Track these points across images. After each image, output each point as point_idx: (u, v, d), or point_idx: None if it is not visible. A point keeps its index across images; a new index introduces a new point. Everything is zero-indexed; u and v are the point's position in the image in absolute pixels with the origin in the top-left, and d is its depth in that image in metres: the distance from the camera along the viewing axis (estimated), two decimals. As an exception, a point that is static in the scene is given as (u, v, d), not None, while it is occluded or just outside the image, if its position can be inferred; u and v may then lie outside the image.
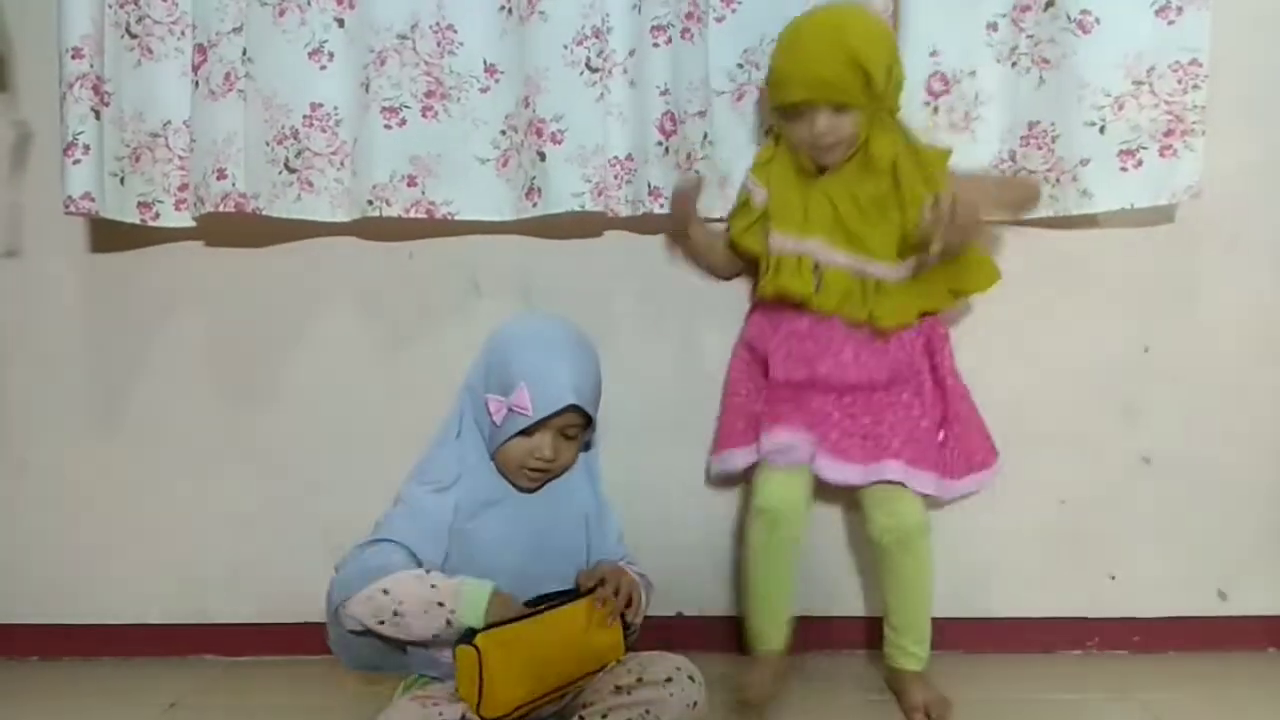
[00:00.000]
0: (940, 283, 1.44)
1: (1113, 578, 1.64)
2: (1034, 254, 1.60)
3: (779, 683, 1.43)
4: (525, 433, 1.28)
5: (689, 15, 1.51)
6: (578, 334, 1.35)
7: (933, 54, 1.50)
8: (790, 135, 1.43)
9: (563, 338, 1.32)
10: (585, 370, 1.31)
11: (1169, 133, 1.50)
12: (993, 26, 1.52)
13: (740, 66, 1.56)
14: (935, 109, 1.51)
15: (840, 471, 1.41)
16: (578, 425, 1.31)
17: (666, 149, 1.51)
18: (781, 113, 1.43)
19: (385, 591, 1.20)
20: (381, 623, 1.21)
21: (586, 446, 1.38)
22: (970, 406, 1.50)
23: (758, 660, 1.45)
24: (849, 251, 1.42)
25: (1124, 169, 1.52)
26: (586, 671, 1.25)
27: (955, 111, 1.51)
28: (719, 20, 1.55)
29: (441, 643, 1.23)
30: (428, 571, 1.23)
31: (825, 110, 1.37)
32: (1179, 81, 1.49)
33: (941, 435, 1.47)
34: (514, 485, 1.33)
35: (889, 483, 1.41)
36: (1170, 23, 1.49)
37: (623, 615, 1.28)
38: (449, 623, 1.19)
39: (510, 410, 1.27)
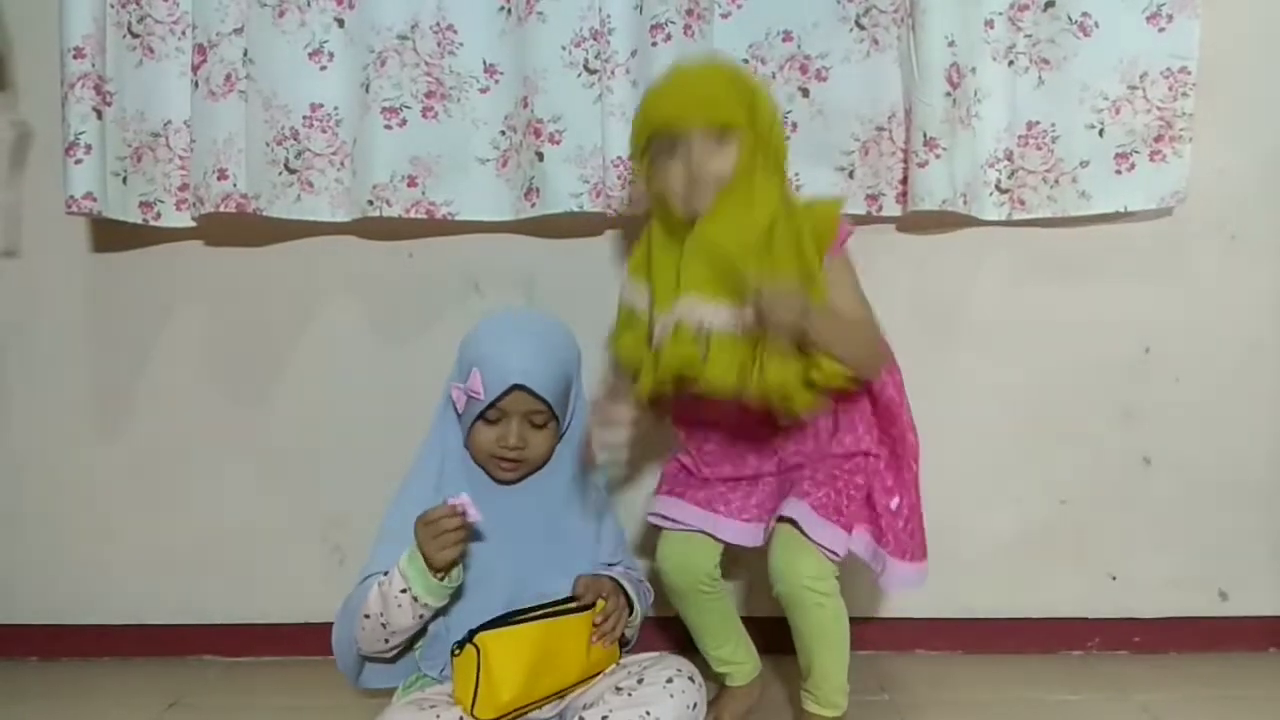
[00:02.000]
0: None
1: (1113, 578, 1.64)
2: (1034, 254, 1.60)
3: (751, 711, 1.42)
4: (490, 421, 1.28)
5: (690, 12, 1.51)
6: (547, 324, 1.34)
7: (950, 44, 1.49)
8: (661, 180, 1.24)
9: (525, 326, 1.32)
10: (542, 355, 1.29)
11: (1159, 138, 1.52)
12: (989, 24, 1.52)
13: (746, 62, 1.56)
14: (955, 100, 1.50)
15: (738, 534, 1.33)
16: (542, 413, 1.29)
17: (667, 147, 1.52)
18: (654, 160, 1.25)
19: (366, 616, 1.23)
20: (387, 640, 1.24)
21: (562, 436, 1.36)
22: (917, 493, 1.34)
23: (726, 692, 1.43)
24: (728, 301, 1.19)
25: (1118, 172, 1.54)
26: (580, 679, 1.26)
27: (960, 106, 1.51)
28: (724, 16, 1.55)
29: (438, 616, 1.26)
30: (385, 574, 1.24)
31: (702, 139, 1.20)
32: (1170, 88, 1.51)
33: (896, 501, 1.31)
34: (492, 478, 1.32)
35: (793, 526, 1.24)
36: (1161, 30, 1.51)
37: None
38: (415, 599, 1.20)
39: (468, 396, 1.27)
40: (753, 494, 1.36)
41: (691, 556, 1.35)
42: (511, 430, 1.28)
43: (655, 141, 1.24)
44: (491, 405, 1.27)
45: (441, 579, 1.20)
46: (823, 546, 1.23)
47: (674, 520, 1.36)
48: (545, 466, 1.35)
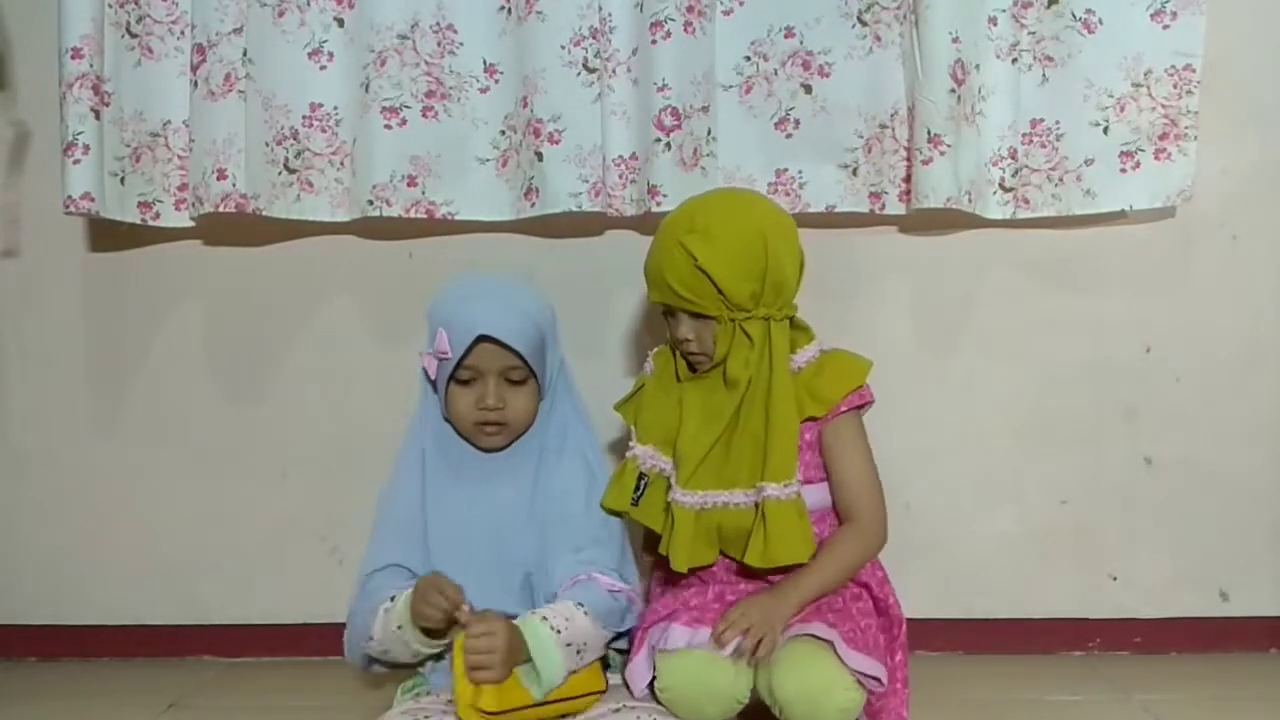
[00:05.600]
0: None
1: (1114, 578, 1.64)
2: (1034, 254, 1.60)
3: None
4: (465, 383, 1.25)
5: (691, 9, 1.50)
6: (512, 283, 1.33)
7: (954, 39, 1.48)
8: (668, 332, 1.30)
9: (487, 284, 1.30)
10: (508, 308, 1.25)
11: (1164, 136, 1.52)
12: (993, 21, 1.51)
13: (748, 59, 1.56)
14: (959, 97, 1.49)
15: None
16: (518, 368, 1.24)
17: (667, 145, 1.51)
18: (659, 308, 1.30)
19: (371, 638, 1.21)
20: (387, 663, 1.24)
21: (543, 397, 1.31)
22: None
23: None
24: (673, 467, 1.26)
25: (1124, 170, 1.53)
26: (571, 697, 1.17)
27: (965, 103, 1.50)
28: (726, 13, 1.55)
29: (431, 660, 1.23)
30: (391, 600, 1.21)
31: (686, 315, 1.23)
32: (1174, 86, 1.51)
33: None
34: (478, 448, 1.28)
35: (810, 637, 1.16)
36: (1165, 27, 1.50)
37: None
38: (408, 644, 1.18)
39: (438, 360, 1.25)
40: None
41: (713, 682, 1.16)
42: (488, 390, 1.23)
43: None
44: (461, 364, 1.23)
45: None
46: (861, 673, 1.14)
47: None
48: (528, 432, 1.30)
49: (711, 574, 1.28)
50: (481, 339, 1.22)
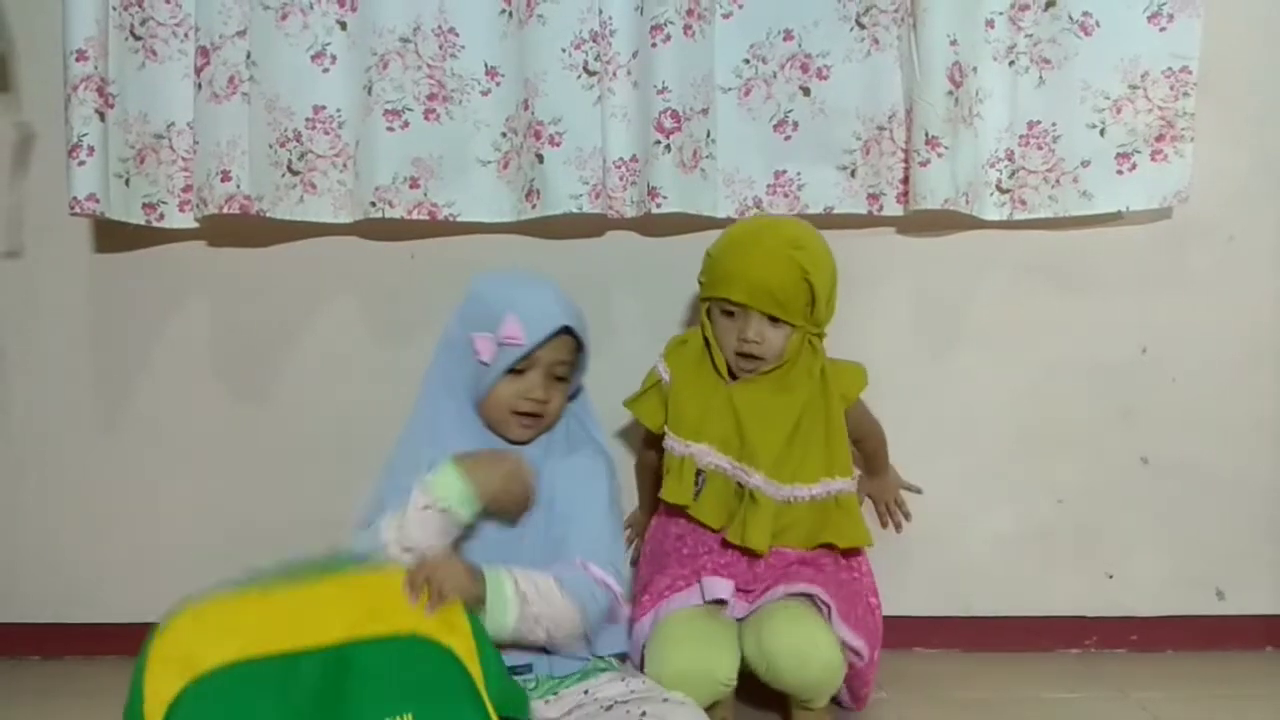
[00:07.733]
0: (817, 529, 1.37)
1: (1111, 577, 1.65)
2: (1034, 254, 1.61)
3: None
4: (515, 372, 1.25)
5: (690, 12, 1.52)
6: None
7: (952, 42, 1.49)
8: (716, 334, 1.38)
9: (538, 276, 1.32)
10: (571, 301, 1.28)
11: (1160, 138, 1.53)
12: (990, 24, 1.52)
13: (747, 62, 1.57)
14: (957, 99, 1.50)
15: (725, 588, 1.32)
16: (567, 363, 1.26)
17: (667, 147, 1.52)
18: (714, 308, 1.39)
19: (378, 534, 1.19)
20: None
21: (574, 395, 1.34)
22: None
23: None
24: (736, 461, 1.35)
25: (1120, 172, 1.54)
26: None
27: (962, 105, 1.51)
28: (726, 16, 1.56)
29: (460, 537, 1.20)
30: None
31: (760, 318, 1.34)
32: (1171, 88, 1.51)
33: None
34: (505, 439, 1.28)
35: (798, 598, 1.29)
36: (1162, 29, 1.51)
37: None
38: (444, 510, 1.16)
39: (501, 344, 1.23)
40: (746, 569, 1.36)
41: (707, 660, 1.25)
42: (537, 382, 1.24)
43: (717, 300, 1.37)
44: (527, 354, 1.23)
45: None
46: (847, 644, 1.27)
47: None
48: (552, 429, 1.31)
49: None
50: (564, 331, 1.24)
